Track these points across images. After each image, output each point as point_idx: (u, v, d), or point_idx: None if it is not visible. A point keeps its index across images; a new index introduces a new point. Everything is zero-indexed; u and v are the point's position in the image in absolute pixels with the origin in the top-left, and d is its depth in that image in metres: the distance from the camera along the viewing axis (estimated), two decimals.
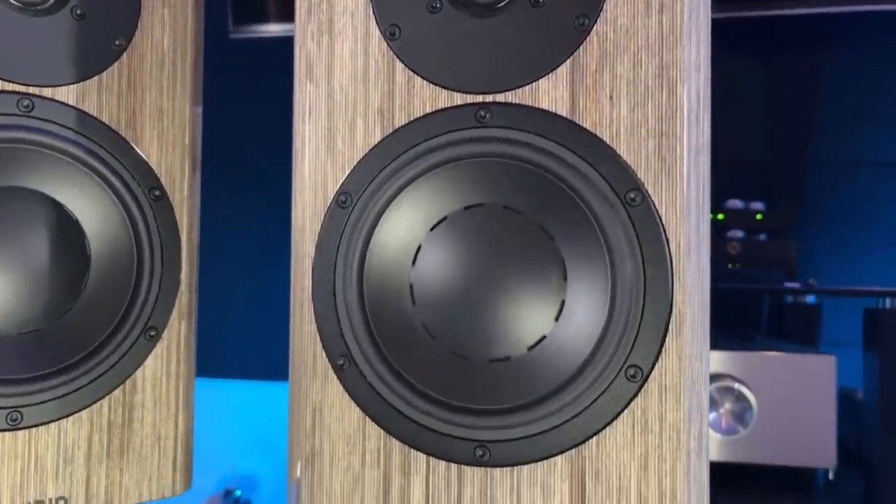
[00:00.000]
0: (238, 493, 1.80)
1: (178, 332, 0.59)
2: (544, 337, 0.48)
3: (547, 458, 0.46)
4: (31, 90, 0.52)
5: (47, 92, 0.53)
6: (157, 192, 0.58)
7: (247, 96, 1.73)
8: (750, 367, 1.05)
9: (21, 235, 0.53)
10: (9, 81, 0.52)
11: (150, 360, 0.57)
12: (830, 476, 1.21)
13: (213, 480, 1.80)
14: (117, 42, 0.55)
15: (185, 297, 0.59)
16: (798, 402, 1.03)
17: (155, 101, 0.58)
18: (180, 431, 0.59)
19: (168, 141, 0.58)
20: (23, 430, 0.52)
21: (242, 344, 1.85)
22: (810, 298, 1.44)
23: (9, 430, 0.51)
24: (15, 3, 0.52)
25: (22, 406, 0.51)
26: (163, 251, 0.58)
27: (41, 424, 0.52)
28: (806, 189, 1.58)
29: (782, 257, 1.39)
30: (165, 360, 0.58)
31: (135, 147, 0.57)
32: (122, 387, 0.56)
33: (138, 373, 0.57)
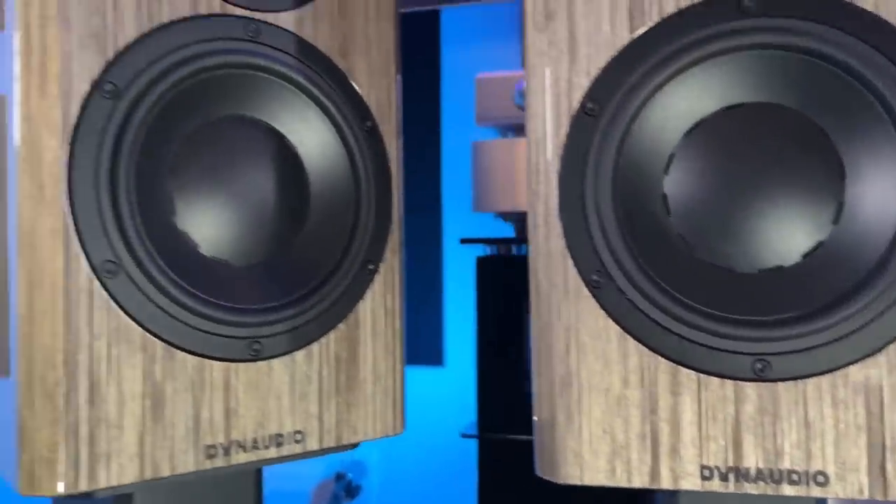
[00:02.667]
0: (349, 476, 1.79)
1: (391, 267, 0.57)
2: (821, 243, 0.44)
3: (837, 369, 0.43)
4: (256, 15, 0.51)
5: (270, 18, 0.52)
6: (368, 124, 0.56)
7: None
8: None
9: (245, 166, 0.52)
10: (235, 6, 0.50)
11: (368, 295, 0.56)
12: None
13: (324, 465, 1.80)
14: None
15: (395, 233, 0.57)
16: None
17: (362, 28, 0.56)
18: (397, 369, 0.57)
19: (376, 71, 0.57)
20: (263, 361, 0.50)
21: None
22: None
23: (250, 360, 0.50)
24: None
25: (261, 337, 0.50)
26: (376, 185, 0.56)
27: (278, 356, 0.51)
28: None
29: None
30: (382, 295, 0.56)
31: (348, 77, 0.55)
32: (345, 321, 0.54)
33: (359, 307, 0.55)
